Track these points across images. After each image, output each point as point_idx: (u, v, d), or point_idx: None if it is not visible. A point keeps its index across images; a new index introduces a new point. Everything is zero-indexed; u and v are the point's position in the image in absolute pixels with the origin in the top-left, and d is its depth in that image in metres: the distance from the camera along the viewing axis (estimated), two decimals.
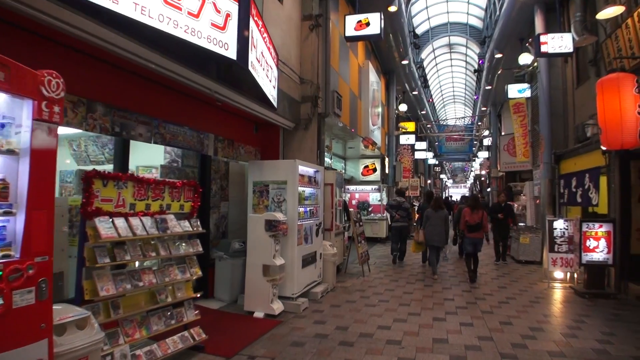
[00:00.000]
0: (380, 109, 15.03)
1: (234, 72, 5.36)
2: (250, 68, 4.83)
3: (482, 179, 32.35)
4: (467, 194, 33.07)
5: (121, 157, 5.08)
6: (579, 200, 9.07)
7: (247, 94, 6.04)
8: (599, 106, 5.55)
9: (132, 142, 5.10)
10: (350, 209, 9.64)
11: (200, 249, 4.50)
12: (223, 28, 4.23)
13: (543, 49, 9.40)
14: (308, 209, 6.71)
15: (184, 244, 4.34)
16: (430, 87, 29.68)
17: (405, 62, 16.91)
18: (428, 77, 26.38)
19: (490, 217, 10.17)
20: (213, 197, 6.91)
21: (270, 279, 5.68)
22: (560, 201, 10.47)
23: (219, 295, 6.53)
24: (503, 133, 22.13)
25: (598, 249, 7.11)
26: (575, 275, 7.81)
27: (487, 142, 24.63)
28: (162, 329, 3.94)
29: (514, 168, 19.15)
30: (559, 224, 8.05)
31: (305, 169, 6.75)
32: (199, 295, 4.43)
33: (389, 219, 14.88)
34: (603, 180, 7.97)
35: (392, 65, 17.17)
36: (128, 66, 4.45)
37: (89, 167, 4.24)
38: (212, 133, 6.62)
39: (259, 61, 5.32)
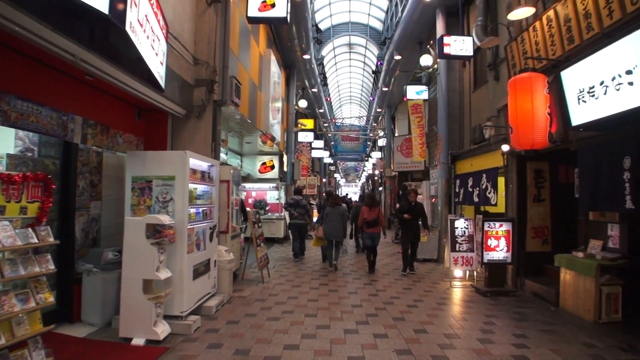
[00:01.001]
0: (280, 104, 14.28)
1: (113, 41, 4.18)
2: (129, 30, 3.70)
3: (375, 178, 33.55)
4: (359, 193, 34.04)
5: None
6: (475, 199, 9.30)
7: (127, 69, 4.81)
8: (510, 105, 5.47)
9: None
10: (247, 209, 8.77)
11: (52, 266, 3.32)
12: None
13: (446, 50, 9.48)
14: (201, 209, 5.66)
15: (25, 262, 3.11)
16: (329, 86, 29.83)
17: (307, 56, 16.39)
18: (327, 75, 26.37)
19: (398, 219, 9.57)
20: (80, 196, 5.46)
21: (153, 296, 4.57)
22: (455, 200, 10.76)
23: (88, 318, 5.17)
24: (397, 134, 22.96)
25: (498, 248, 7.21)
26: (475, 274, 7.90)
27: (381, 142, 25.37)
28: None
29: (407, 168, 19.88)
30: (460, 223, 8.09)
31: (198, 163, 5.70)
32: (52, 328, 3.23)
33: (287, 218, 14.34)
34: (501, 181, 8.19)
35: (293, 59, 16.54)
36: None
37: None
38: (80, 116, 5.23)
39: (141, 25, 4.17)
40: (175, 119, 7.10)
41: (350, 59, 27.26)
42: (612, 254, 5.68)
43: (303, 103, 18.28)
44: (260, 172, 16.23)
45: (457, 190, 10.65)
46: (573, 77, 5.00)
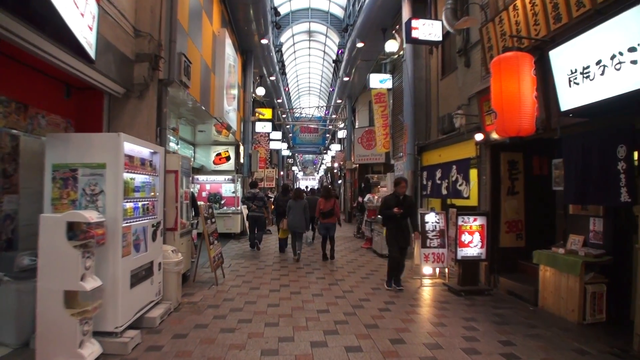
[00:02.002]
0: (236, 91, 13.30)
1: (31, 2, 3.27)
2: None
3: (335, 171, 33.11)
4: (316, 186, 33.65)
5: None
6: (444, 192, 8.90)
7: (49, 35, 3.84)
8: (494, 88, 4.95)
9: None
10: (200, 203, 7.93)
11: None
12: None
13: (414, 34, 8.95)
14: (140, 204, 4.76)
15: None
16: (288, 76, 28.92)
17: (265, 41, 15.48)
18: (286, 64, 25.46)
19: (384, 217, 7.17)
20: None
21: (77, 311, 3.69)
22: (423, 193, 10.34)
23: (0, 338, 4.22)
24: (357, 126, 22.52)
25: (472, 244, 6.76)
26: (447, 271, 7.44)
27: (341, 134, 24.84)
28: None
29: (368, 160, 19.55)
30: (431, 218, 7.60)
31: (137, 149, 4.80)
32: None
33: (244, 212, 13.51)
34: (473, 173, 7.77)
35: (250, 44, 15.58)
36: None
37: None
38: None
39: None
40: (112, 99, 6.10)
41: (309, 48, 26.43)
42: (595, 250, 5.32)
43: (261, 91, 17.37)
44: (214, 163, 15.24)
45: (424, 182, 10.24)
46: (563, 57, 4.53)
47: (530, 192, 7.27)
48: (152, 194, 5.13)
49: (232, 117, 12.23)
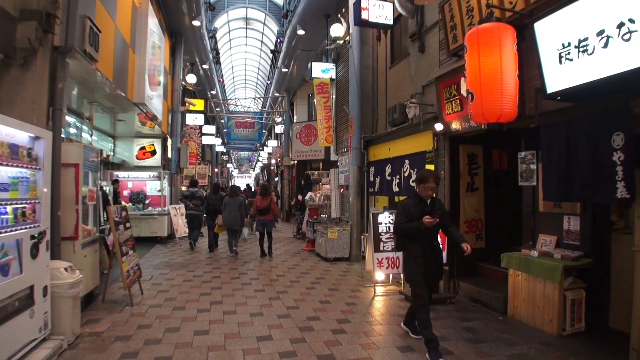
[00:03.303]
0: (162, 77, 11.76)
1: None
2: None
3: (272, 168, 31.92)
4: (251, 184, 32.37)
5: None
6: (395, 189, 8.18)
7: None
8: (470, 65, 4.19)
9: None
10: (123, 203, 6.55)
11: None
12: None
13: (363, 15, 8.09)
14: (10, 207, 3.40)
15: None
16: (222, 66, 27.21)
17: (196, 23, 13.97)
18: (220, 52, 23.80)
19: (405, 231, 4.21)
20: None
21: None
22: (370, 190, 9.60)
23: None
24: (296, 120, 21.59)
25: None
26: (402, 276, 6.67)
27: (279, 129, 23.73)
28: None
29: (306, 157, 18.80)
30: (384, 218, 6.80)
31: (5, 130, 3.45)
32: None
33: (172, 213, 12.10)
34: (429, 167, 7.08)
35: (180, 26, 14.00)
36: None
37: None
38: None
39: None
40: None
41: (246, 37, 24.92)
42: (572, 251, 4.75)
43: (192, 78, 15.83)
44: (138, 158, 13.50)
45: (371, 179, 9.49)
46: (553, 29, 3.84)
47: (490, 189, 6.71)
48: (31, 193, 3.76)
49: (157, 105, 10.70)
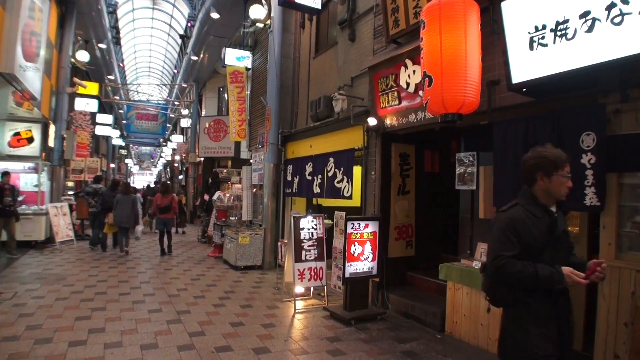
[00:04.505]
0: (44, 50, 9.70)
1: None
2: None
3: (175, 165, 29.60)
4: (151, 182, 29.90)
5: None
6: (316, 190, 7.42)
7: None
8: (429, 44, 3.51)
9: None
10: None
11: None
12: None
13: None
14: None
15: None
16: (124, 50, 24.45)
17: None
18: (122, 33, 21.25)
19: (517, 276, 2.09)
20: None
21: None
22: (287, 191, 8.73)
23: None
24: (204, 114, 20.07)
25: (363, 256, 5.33)
26: (326, 289, 5.89)
27: (185, 123, 21.83)
28: None
29: (214, 153, 17.65)
30: (307, 223, 5.96)
31: None
32: None
33: (50, 212, 10.09)
34: (357, 167, 6.43)
35: None
36: None
37: None
38: None
39: None
40: None
41: (152, 18, 22.51)
42: None
43: (84, 55, 13.61)
44: (11, 145, 11.08)
45: (289, 178, 8.63)
46: (524, 9, 3.30)
47: (421, 192, 6.22)
48: None
49: (34, 81, 8.70)
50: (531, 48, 3.27)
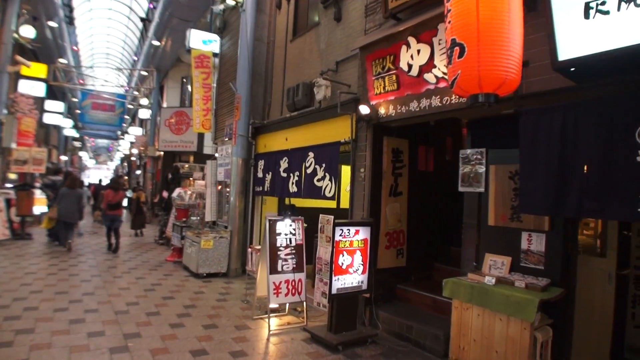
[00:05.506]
0: None
1: None
2: None
3: (133, 159, 27.89)
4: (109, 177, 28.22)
5: None
6: (292, 189, 6.61)
7: None
8: (459, 6, 2.74)
9: None
10: None
11: None
12: None
13: None
14: None
15: None
16: (78, 33, 22.58)
17: None
18: (77, 15, 19.51)
19: None
20: None
21: None
22: (257, 189, 7.85)
23: None
24: (165, 106, 18.79)
25: (352, 268, 4.55)
26: (305, 305, 5.06)
27: (144, 114, 20.30)
28: None
29: (176, 147, 16.60)
30: (284, 227, 5.12)
31: None
32: None
33: None
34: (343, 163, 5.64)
35: None
36: None
37: None
38: None
39: None
40: None
41: None
42: (535, 278, 3.70)
43: (28, 30, 12.08)
44: None
45: (260, 175, 7.76)
46: None
47: (414, 194, 5.51)
48: None
49: None
50: (587, 16, 2.59)
